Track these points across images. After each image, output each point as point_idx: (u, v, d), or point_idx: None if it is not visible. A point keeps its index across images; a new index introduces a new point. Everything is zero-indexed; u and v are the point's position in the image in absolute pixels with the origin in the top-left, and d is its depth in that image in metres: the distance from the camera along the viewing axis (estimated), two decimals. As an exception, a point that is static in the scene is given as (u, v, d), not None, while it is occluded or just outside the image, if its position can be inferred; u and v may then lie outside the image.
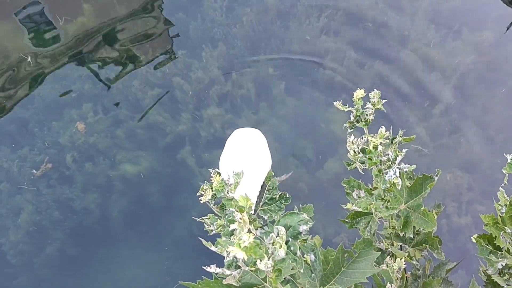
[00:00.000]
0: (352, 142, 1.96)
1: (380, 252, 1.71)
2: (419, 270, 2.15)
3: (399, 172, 1.93)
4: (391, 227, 2.08)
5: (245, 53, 5.12)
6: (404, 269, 2.20)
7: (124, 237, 4.49)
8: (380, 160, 1.92)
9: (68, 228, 4.48)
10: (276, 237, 1.36)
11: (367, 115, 2.01)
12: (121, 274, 4.39)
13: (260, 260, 1.31)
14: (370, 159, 1.91)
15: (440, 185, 4.28)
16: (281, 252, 1.34)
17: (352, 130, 2.09)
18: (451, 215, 4.14)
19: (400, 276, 1.83)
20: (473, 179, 4.33)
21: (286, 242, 1.44)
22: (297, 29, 5.19)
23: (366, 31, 5.10)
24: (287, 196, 1.78)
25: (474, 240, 2.02)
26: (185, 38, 5.29)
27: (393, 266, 1.81)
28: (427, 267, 2.22)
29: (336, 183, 4.37)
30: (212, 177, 1.64)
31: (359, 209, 1.95)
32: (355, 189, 2.01)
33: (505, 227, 1.82)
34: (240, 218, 1.33)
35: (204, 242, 1.44)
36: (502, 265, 1.85)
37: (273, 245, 1.35)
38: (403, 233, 1.97)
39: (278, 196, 1.75)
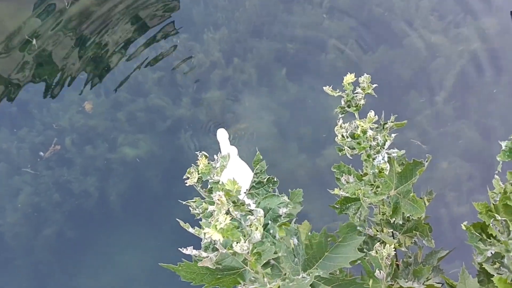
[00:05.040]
0: (340, 126, 1.92)
1: (364, 237, 1.68)
2: (411, 258, 2.13)
3: (388, 157, 1.89)
4: (381, 213, 2.06)
5: (247, 38, 5.07)
6: (396, 255, 2.17)
7: (122, 222, 4.49)
8: (370, 145, 1.89)
9: (66, 210, 4.48)
10: (254, 219, 1.33)
11: (357, 100, 1.97)
12: (118, 258, 4.40)
13: (237, 243, 1.29)
14: (359, 143, 1.88)
15: (439, 174, 4.25)
16: (257, 235, 1.32)
17: (343, 115, 2.05)
18: (451, 204, 4.11)
19: (389, 263, 1.81)
20: (474, 168, 4.29)
21: (266, 225, 1.42)
22: (300, 13, 5.13)
23: (369, 16, 5.04)
24: (275, 180, 1.75)
25: (464, 228, 2.00)
26: (188, 23, 5.24)
27: (382, 252, 1.79)
28: (419, 254, 2.20)
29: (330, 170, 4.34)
30: (199, 160, 1.62)
31: (347, 195, 1.92)
32: (344, 174, 1.99)
33: (496, 215, 1.80)
34: (218, 199, 1.31)
35: (182, 223, 1.42)
36: (491, 253, 1.83)
37: (250, 227, 1.33)
38: (393, 219, 1.95)
39: (266, 179, 1.71)
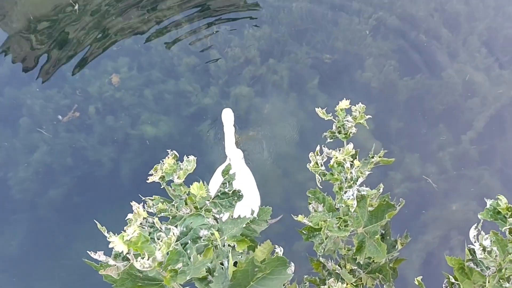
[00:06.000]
0: (317, 152, 1.88)
1: (292, 275, 1.63)
2: (375, 299, 2.07)
3: (359, 193, 1.84)
4: (346, 248, 2.00)
5: (287, 40, 5.03)
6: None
7: (129, 197, 4.49)
8: (346, 177, 1.84)
9: (77, 176, 4.53)
10: (165, 237, 1.31)
11: (347, 128, 1.93)
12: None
13: (142, 258, 1.27)
14: (331, 174, 1.84)
15: (449, 215, 4.14)
16: (158, 255, 1.29)
17: (332, 140, 2.01)
18: (454, 248, 4.00)
19: (341, 301, 1.76)
20: (487, 216, 4.16)
21: (185, 244, 1.39)
22: (345, 26, 5.06)
23: (414, 42, 4.93)
24: (240, 194, 1.73)
25: (416, 283, 1.94)
26: (233, 14, 5.23)
27: (333, 289, 1.74)
28: (385, 297, 2.14)
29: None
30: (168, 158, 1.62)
31: (310, 224, 1.88)
32: (313, 201, 1.93)
33: (450, 276, 1.74)
34: (136, 210, 1.29)
35: (99, 226, 1.40)
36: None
37: (157, 245, 1.30)
38: (356, 257, 1.89)
39: (231, 191, 1.70)
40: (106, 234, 1.32)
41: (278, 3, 5.21)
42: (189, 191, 1.75)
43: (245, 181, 4.04)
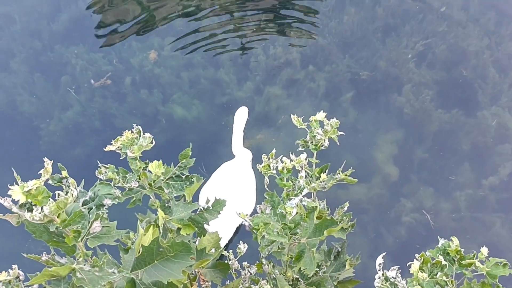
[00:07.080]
0: (271, 155, 1.93)
1: (193, 263, 1.67)
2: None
3: (302, 203, 1.88)
4: (289, 255, 2.02)
5: (332, 50, 5.03)
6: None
7: (147, 170, 4.63)
8: (299, 186, 1.88)
9: (102, 140, 4.69)
10: (62, 197, 1.37)
11: (317, 140, 1.97)
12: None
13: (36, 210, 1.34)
14: (280, 179, 1.88)
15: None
16: (46, 210, 1.36)
17: (304, 149, 2.06)
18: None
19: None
20: (489, 265, 4.06)
21: (90, 209, 1.46)
22: (392, 47, 5.02)
23: (458, 76, 4.84)
24: (193, 180, 1.80)
25: None
26: (284, 15, 5.28)
27: (263, 291, 1.78)
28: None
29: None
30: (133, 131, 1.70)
31: (250, 223, 1.92)
32: (263, 203, 1.97)
33: None
34: (47, 165, 1.36)
35: (15, 174, 1.47)
36: None
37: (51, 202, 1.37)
38: (294, 266, 1.91)
39: (185, 176, 1.77)
40: (19, 182, 1.40)
41: (332, 13, 5.22)
42: (146, 167, 1.83)
43: (245, 183, 4.10)
